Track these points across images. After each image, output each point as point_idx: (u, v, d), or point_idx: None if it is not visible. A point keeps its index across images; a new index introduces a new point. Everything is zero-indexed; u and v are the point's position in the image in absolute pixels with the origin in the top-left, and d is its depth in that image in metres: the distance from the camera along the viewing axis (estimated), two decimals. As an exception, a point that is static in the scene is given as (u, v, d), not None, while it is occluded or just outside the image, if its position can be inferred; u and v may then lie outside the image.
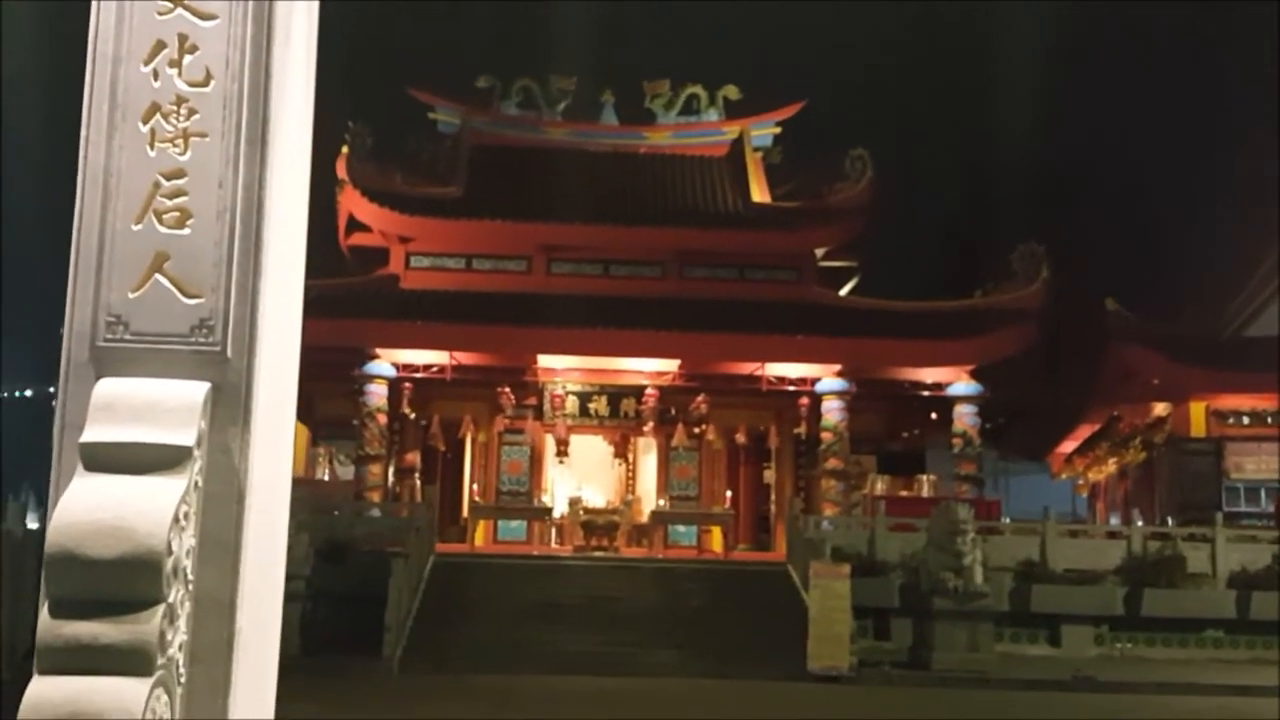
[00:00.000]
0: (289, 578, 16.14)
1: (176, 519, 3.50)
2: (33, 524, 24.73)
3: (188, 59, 3.86)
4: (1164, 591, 21.83)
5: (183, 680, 3.61)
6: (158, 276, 3.77)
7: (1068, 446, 37.42)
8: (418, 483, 28.89)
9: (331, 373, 27.87)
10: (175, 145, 3.84)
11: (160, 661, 3.45)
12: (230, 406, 3.76)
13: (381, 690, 16.58)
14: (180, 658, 3.59)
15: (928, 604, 19.49)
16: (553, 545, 26.91)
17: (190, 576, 3.63)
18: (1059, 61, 40.83)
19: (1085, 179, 39.39)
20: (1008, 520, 26.34)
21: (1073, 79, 41.90)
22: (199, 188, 3.82)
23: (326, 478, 28.91)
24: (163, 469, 3.57)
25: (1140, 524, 25.05)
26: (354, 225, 30.13)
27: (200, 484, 3.68)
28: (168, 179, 3.82)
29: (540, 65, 34.09)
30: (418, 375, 27.86)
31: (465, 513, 28.70)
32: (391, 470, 29.18)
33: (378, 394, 27.38)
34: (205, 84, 3.84)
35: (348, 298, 27.85)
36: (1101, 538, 25.19)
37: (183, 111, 3.85)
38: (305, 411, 31.22)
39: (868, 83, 42.77)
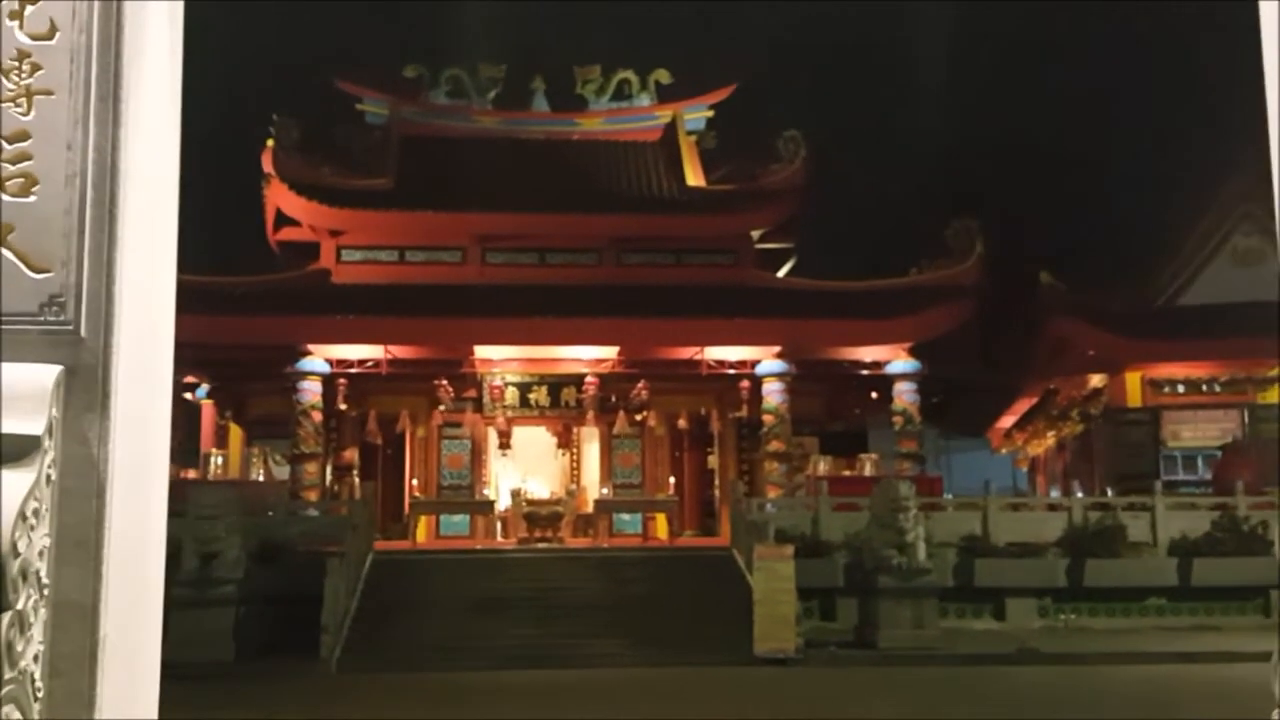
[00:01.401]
0: (220, 582, 15.58)
1: (24, 516, 3.15)
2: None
3: (29, 10, 3.49)
4: (1105, 561, 21.92)
5: (40, 694, 3.26)
6: (3, 250, 3.41)
7: (1007, 421, 37.69)
8: (356, 480, 28.36)
9: (264, 371, 27.43)
10: (18, 105, 3.46)
11: (10, 675, 3.10)
12: (87, 392, 3.40)
13: (318, 692, 16.14)
14: (35, 670, 3.24)
15: (872, 582, 19.42)
16: (498, 539, 26.51)
17: (45, 580, 3.28)
18: (991, 33, 41.06)
19: (1017, 153, 39.60)
20: (949, 496, 26.34)
21: (1004, 50, 42.10)
22: (45, 150, 3.45)
23: (261, 478, 28.28)
24: (7, 461, 3.21)
25: (1080, 495, 25.15)
26: (283, 220, 29.53)
27: (54, 477, 3.32)
28: (10, 142, 3.44)
29: (468, 53, 33.60)
30: (352, 371, 27.38)
31: (408, 509, 28.24)
32: (329, 469, 28.66)
33: (311, 391, 26.85)
34: (50, 37, 3.48)
35: (278, 294, 27.41)
36: (1043, 510, 25.29)
37: (25, 67, 3.48)
38: (239, 411, 30.66)
39: (799, 61, 42.70)
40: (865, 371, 28.63)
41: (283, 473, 27.90)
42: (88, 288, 3.40)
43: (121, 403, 3.47)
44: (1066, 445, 33.95)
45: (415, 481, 27.88)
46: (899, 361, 28.11)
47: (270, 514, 23.11)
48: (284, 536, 21.55)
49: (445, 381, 27.98)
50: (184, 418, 29.64)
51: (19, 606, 3.12)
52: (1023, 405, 35.72)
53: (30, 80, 3.47)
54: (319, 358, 26.86)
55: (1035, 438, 36.76)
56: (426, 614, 19.56)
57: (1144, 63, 40.99)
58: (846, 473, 27.91)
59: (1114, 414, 29.16)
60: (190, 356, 27.05)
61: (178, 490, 22.45)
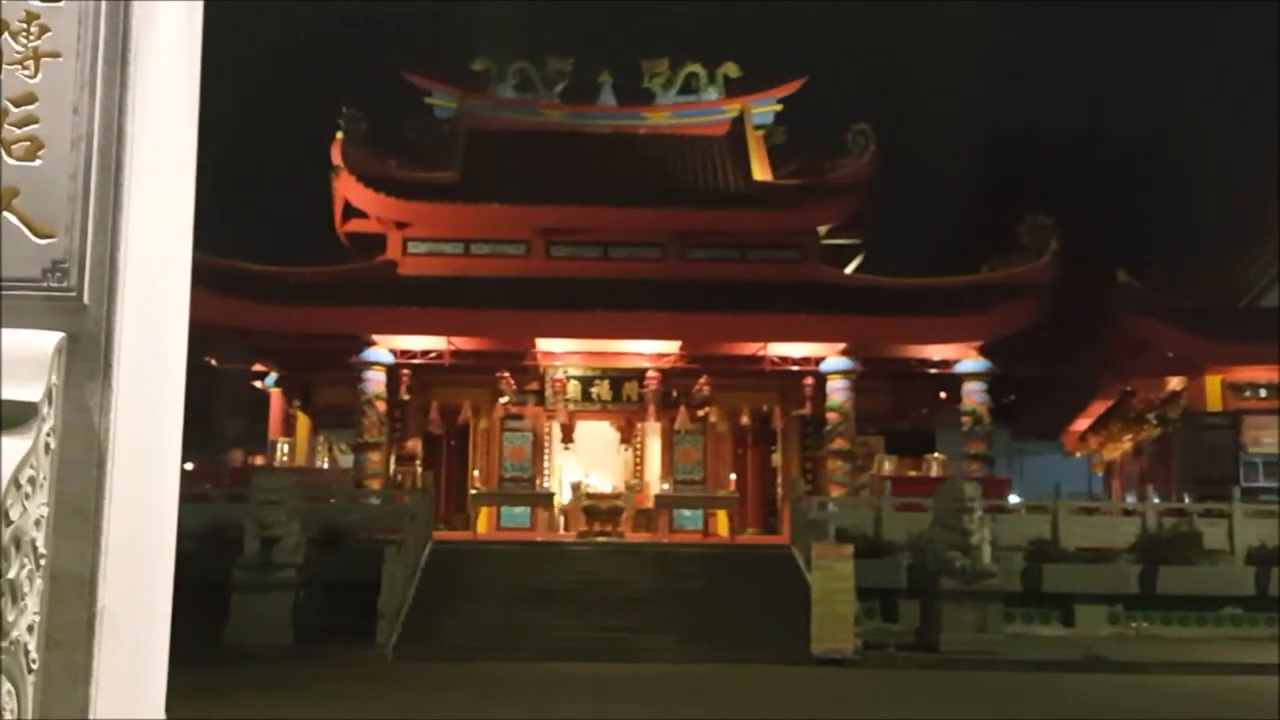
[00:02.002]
0: (279, 566, 15.68)
1: (17, 484, 3.07)
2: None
3: (38, -30, 3.43)
4: (1180, 569, 21.35)
5: (35, 666, 3.18)
6: (6, 214, 3.34)
7: (1081, 424, 36.82)
8: (419, 470, 28.55)
9: (330, 360, 27.69)
10: (25, 68, 3.40)
11: (2, 645, 3.03)
12: (89, 360, 3.32)
13: (373, 679, 16.24)
14: (30, 641, 3.17)
15: (934, 584, 19.06)
16: (558, 532, 26.49)
17: (42, 550, 3.21)
18: (1067, 26, 40.19)
19: (1095, 148, 38.71)
20: (1016, 499, 25.79)
21: (1081, 44, 41.20)
22: (51, 114, 3.38)
23: (326, 466, 28.57)
24: (4, 428, 3.14)
25: (1156, 500, 24.49)
26: (350, 212, 29.78)
27: (53, 446, 3.25)
28: (16, 105, 3.38)
29: (537, 46, 33.64)
30: (416, 361, 27.53)
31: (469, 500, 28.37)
32: (393, 458, 28.87)
33: (376, 381, 27.04)
34: (59, -1, 3.41)
35: (344, 284, 27.66)
36: (1115, 515, 24.63)
37: (33, 29, 3.41)
38: (306, 400, 31.05)
39: (871, 56, 42.17)
40: (933, 370, 28.15)
41: (347, 461, 28.17)
42: (91, 254, 3.33)
43: (126, 373, 3.39)
44: (1143, 450, 33.07)
45: (477, 473, 27.99)
46: (968, 360, 27.58)
47: (332, 501, 23.27)
48: (345, 524, 21.75)
49: (508, 374, 28.05)
50: (253, 405, 30.14)
51: (11, 575, 3.04)
52: (1098, 408, 34.87)
53: (38, 42, 3.40)
54: (383, 348, 27.04)
55: (1111, 441, 35.86)
56: (482, 604, 19.60)
57: (1226, 56, 39.85)
58: (912, 473, 27.48)
59: (1192, 418, 28.31)
60: (259, 345, 27.52)
61: (242, 476, 22.85)
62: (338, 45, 41.00)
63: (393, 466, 28.66)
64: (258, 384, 30.39)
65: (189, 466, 27.90)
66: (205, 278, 24.16)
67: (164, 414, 3.83)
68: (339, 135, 28.71)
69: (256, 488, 19.70)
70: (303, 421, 31.11)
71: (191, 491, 23.72)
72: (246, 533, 18.95)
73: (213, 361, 28.57)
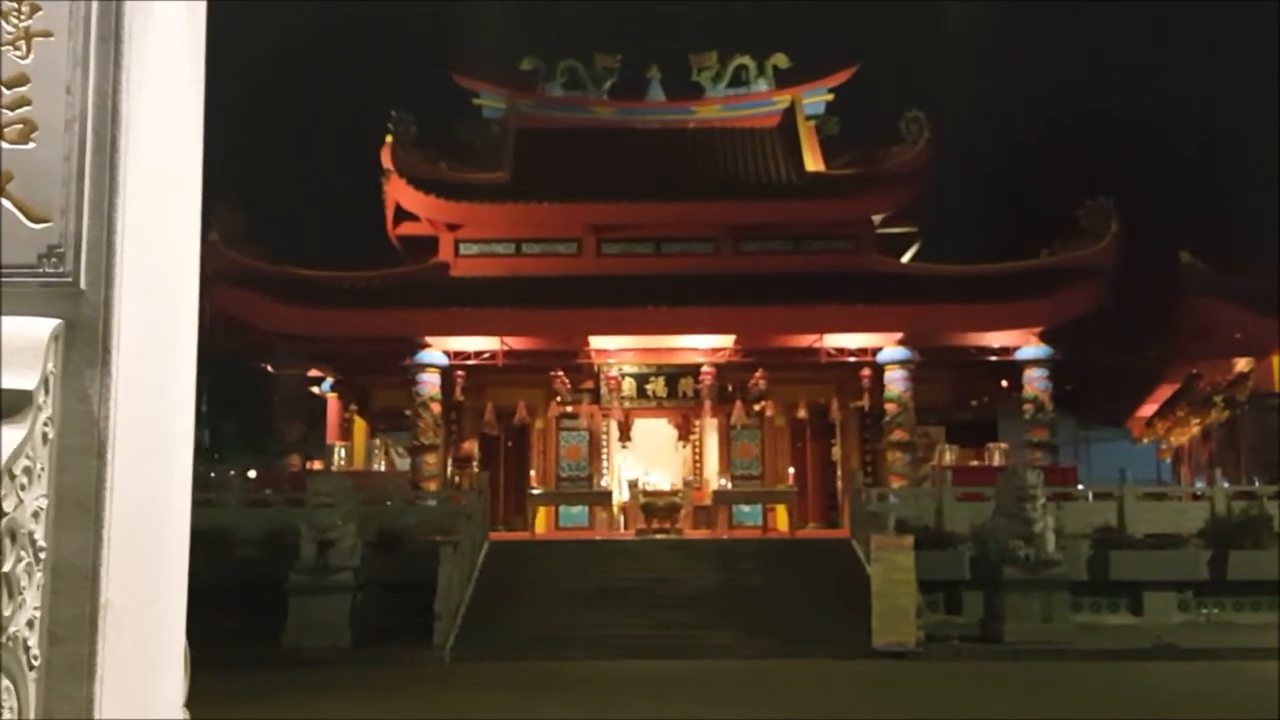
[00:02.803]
0: (335, 569, 15.64)
1: (11, 474, 2.98)
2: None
3: (30, -52, 3.34)
4: (1250, 553, 20.78)
5: (36, 663, 3.09)
6: (1, 200, 3.26)
7: (1148, 410, 36.04)
8: (476, 471, 28.59)
9: (385, 364, 27.84)
10: (16, 48, 3.31)
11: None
12: (87, 346, 3.22)
13: (430, 679, 16.25)
14: (31, 636, 3.07)
15: (998, 574, 18.70)
16: (619, 530, 26.33)
17: (41, 542, 3.11)
18: (1121, 6, 39.34)
19: (1154, 128, 37.82)
20: (1081, 487, 25.23)
21: (1136, 24, 40.30)
22: (44, 95, 3.28)
23: (384, 469, 28.71)
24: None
25: (1225, 484, 23.85)
26: (402, 215, 29.91)
27: (51, 436, 3.15)
28: (9, 87, 3.29)
29: (585, 44, 33.56)
30: (470, 363, 27.57)
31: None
32: (450, 460, 28.95)
33: (430, 383, 27.14)
34: (50, -24, 3.32)
35: (397, 287, 27.76)
36: (1183, 500, 24.02)
37: (24, 9, 3.32)
38: (363, 404, 31.30)
39: (922, 42, 41.57)
40: (993, 358, 27.67)
41: (405, 464, 28.28)
42: (88, 237, 3.23)
43: (127, 361, 3.28)
44: (1211, 434, 32.32)
45: (534, 473, 27.95)
46: (1029, 347, 27.07)
47: (388, 503, 23.38)
48: (401, 525, 21.81)
49: (562, 373, 28.03)
50: (310, 410, 30.36)
51: (6, 568, 2.95)
52: (1164, 392, 34.09)
53: (29, 22, 3.32)
54: (437, 350, 27.12)
55: (1178, 426, 35.08)
56: (539, 603, 19.53)
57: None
58: (974, 463, 27.04)
59: (1261, 399, 27.60)
60: (314, 350, 27.74)
61: (299, 480, 22.93)
62: (384, 48, 41.21)
63: (449, 468, 28.72)
64: (315, 389, 30.62)
65: (251, 474, 28.17)
66: (260, 284, 24.31)
67: (172, 403, 3.72)
68: (389, 139, 28.82)
69: (311, 491, 19.81)
70: (360, 426, 31.34)
71: (250, 497, 23.98)
72: (303, 536, 19.05)
73: (269, 368, 28.84)
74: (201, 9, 3.90)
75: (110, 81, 3.31)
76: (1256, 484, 24.22)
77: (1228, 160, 38.40)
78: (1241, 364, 28.66)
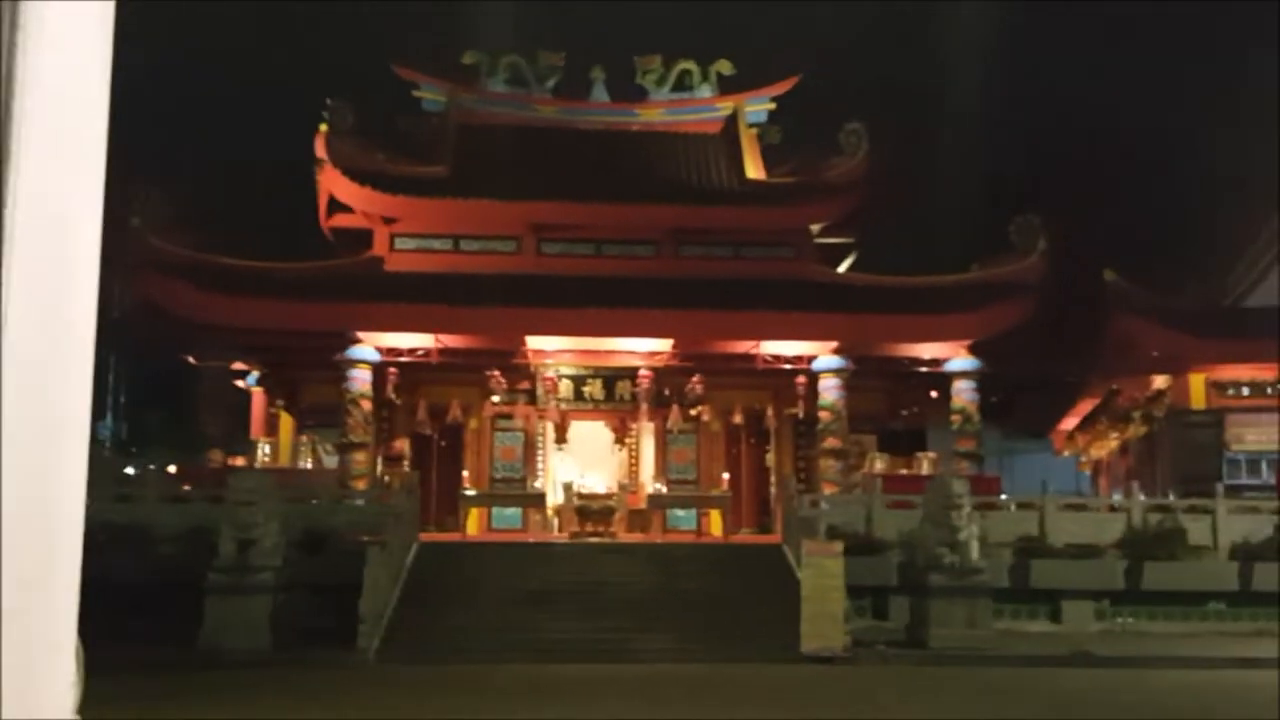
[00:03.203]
0: (256, 569, 15.40)
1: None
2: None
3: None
4: (1165, 564, 21.41)
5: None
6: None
7: (1070, 423, 36.98)
8: (407, 470, 28.34)
9: (314, 359, 27.36)
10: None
11: None
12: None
13: (352, 682, 15.99)
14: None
15: (924, 581, 19.07)
16: (554, 533, 26.24)
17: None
18: (1055, 29, 40.25)
19: (1083, 149, 38.79)
20: (1004, 497, 25.84)
21: (1068, 46, 41.28)
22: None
23: (310, 467, 28.20)
24: None
25: (1141, 497, 24.63)
26: (335, 206, 29.27)
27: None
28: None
29: (528, 41, 33.50)
30: (402, 360, 27.28)
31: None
32: (380, 459, 28.61)
33: (361, 379, 26.67)
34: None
35: (329, 280, 27.30)
36: (1101, 511, 24.72)
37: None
38: (290, 400, 30.66)
39: (863, 55, 42.18)
40: (924, 369, 28.14)
41: (332, 462, 27.73)
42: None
43: (13, 344, 3.18)
44: (1129, 448, 33.22)
45: (467, 473, 27.84)
46: (958, 359, 27.62)
47: (314, 502, 22.91)
48: (327, 525, 21.31)
49: (498, 373, 27.87)
50: (234, 405, 29.74)
51: None
52: (1085, 406, 35.01)
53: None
54: (369, 346, 26.71)
55: (1098, 440, 36.02)
56: (469, 605, 19.44)
57: (1209, 57, 40.00)
58: (903, 471, 27.52)
59: (1177, 416, 28.45)
60: (240, 342, 27.12)
61: (220, 477, 22.46)
62: (325, 37, 40.76)
63: (380, 467, 28.42)
64: (239, 383, 30.02)
65: (171, 469, 27.51)
66: (185, 272, 23.69)
67: (65, 392, 3.57)
68: (323, 128, 28.32)
69: (232, 488, 19.35)
70: (286, 422, 30.69)
71: (169, 494, 23.00)
72: (222, 534, 18.57)
73: (191, 360, 28.20)
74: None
75: (4, 43, 3.24)
76: (1171, 497, 25.02)
77: (1157, 181, 39.51)
78: (1160, 381, 29.49)
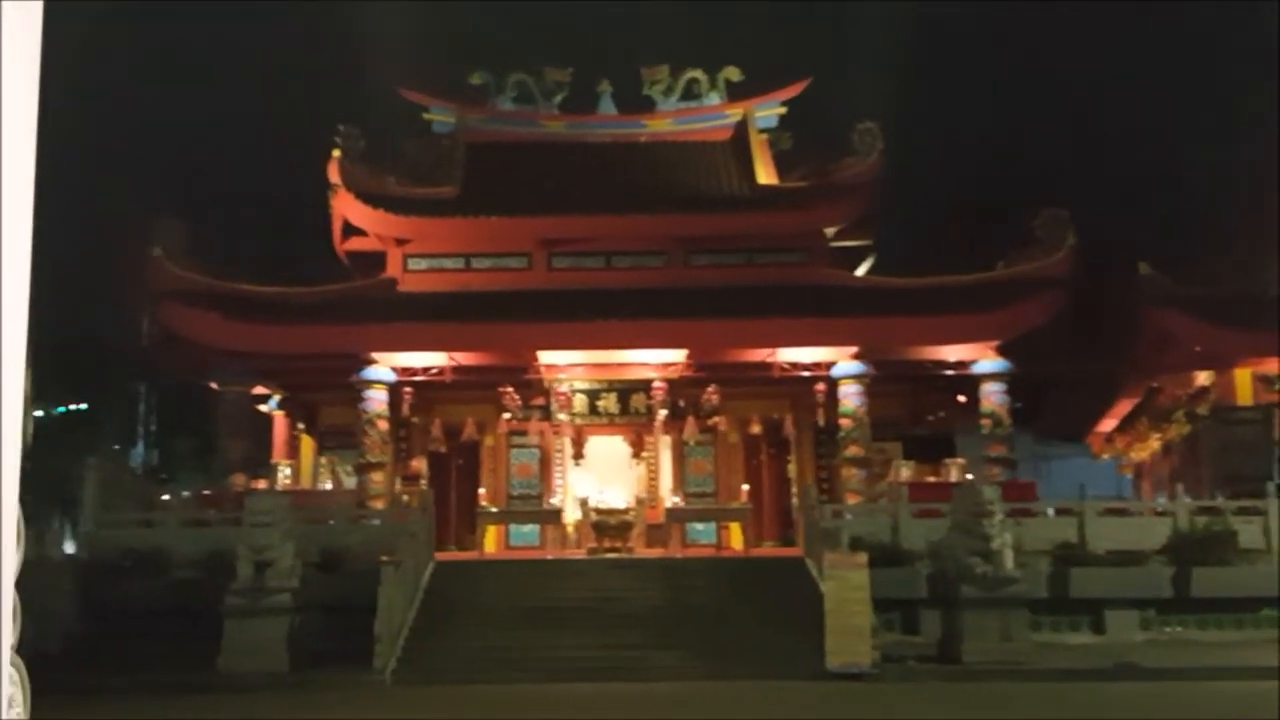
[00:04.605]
0: (273, 590, 14.77)
1: None
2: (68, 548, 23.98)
3: None
4: (1214, 569, 20.36)
5: None
6: None
7: (1107, 425, 35.71)
8: (424, 489, 27.77)
9: (332, 381, 27.09)
10: None
11: None
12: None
13: (368, 703, 15.67)
14: None
15: (955, 593, 18.18)
16: (572, 550, 25.55)
17: None
18: (1080, 13, 39.29)
19: (1112, 139, 37.75)
20: (1040, 503, 24.77)
21: (1095, 31, 40.27)
22: None
23: (330, 487, 27.88)
24: None
25: (1187, 499, 23.50)
26: (350, 230, 29.24)
27: None
28: None
29: (534, 58, 33.07)
30: (418, 379, 26.89)
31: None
32: (399, 478, 28.18)
33: (377, 400, 26.42)
34: None
35: (344, 303, 27.09)
36: (1145, 515, 23.61)
37: None
38: (310, 422, 30.51)
39: (877, 51, 41.35)
40: (950, 372, 27.24)
41: (351, 482, 27.49)
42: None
43: None
44: (1172, 448, 32.01)
45: (484, 491, 27.23)
46: (986, 361, 26.66)
47: (331, 522, 22.70)
48: (345, 545, 21.11)
49: (512, 389, 27.39)
50: (257, 429, 29.54)
51: None
52: (1124, 407, 33.79)
53: None
54: (385, 366, 26.41)
55: (1138, 441, 34.79)
56: (486, 624, 18.87)
57: (1245, 40, 38.86)
58: (931, 479, 26.54)
59: (1222, 413, 27.28)
60: (261, 367, 26.97)
61: (242, 500, 22.21)
62: (334, 64, 40.55)
63: (397, 486, 27.96)
64: (262, 408, 29.83)
65: (185, 494, 27.29)
66: (205, 300, 23.62)
67: None
68: (335, 153, 28.16)
69: (249, 510, 19.14)
70: (307, 444, 30.57)
71: (190, 518, 23.34)
72: (239, 557, 18.33)
73: (214, 386, 28.04)
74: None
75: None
76: (1219, 499, 23.83)
77: (1189, 171, 38.36)
78: (1202, 377, 28.37)
